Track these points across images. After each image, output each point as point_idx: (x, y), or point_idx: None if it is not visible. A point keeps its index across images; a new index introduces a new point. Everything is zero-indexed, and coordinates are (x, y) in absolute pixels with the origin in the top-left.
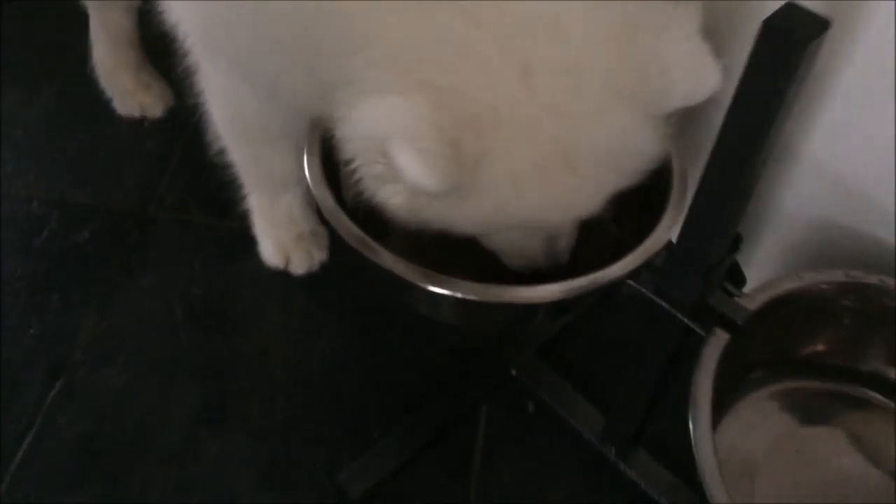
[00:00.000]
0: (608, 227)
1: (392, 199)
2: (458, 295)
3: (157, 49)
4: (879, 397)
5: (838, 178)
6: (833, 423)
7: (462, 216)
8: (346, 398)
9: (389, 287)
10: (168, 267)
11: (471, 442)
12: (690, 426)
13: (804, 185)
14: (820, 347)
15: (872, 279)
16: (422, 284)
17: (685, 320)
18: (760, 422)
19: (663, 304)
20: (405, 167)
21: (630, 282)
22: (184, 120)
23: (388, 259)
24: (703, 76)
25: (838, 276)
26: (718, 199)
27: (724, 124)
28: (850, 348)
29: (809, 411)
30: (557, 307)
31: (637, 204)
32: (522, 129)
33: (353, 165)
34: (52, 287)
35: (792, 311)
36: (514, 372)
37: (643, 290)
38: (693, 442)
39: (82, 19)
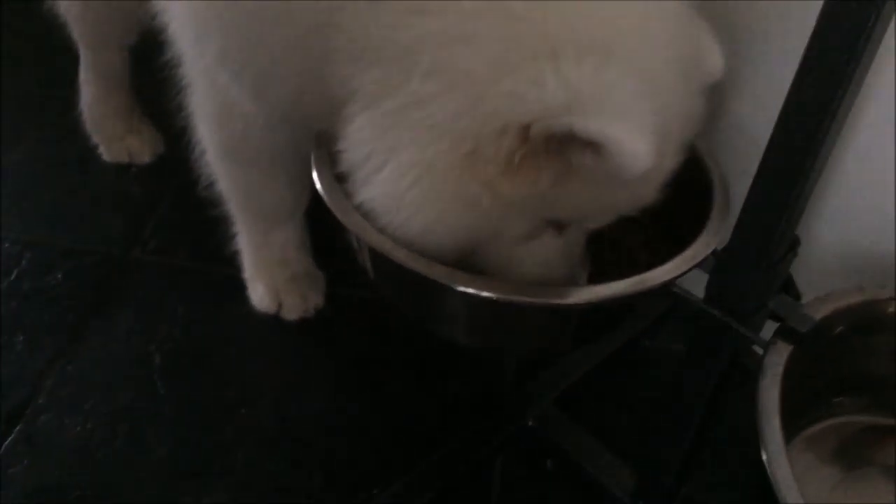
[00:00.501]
0: (639, 255)
1: (506, 200)
2: (488, 295)
3: (148, 94)
4: None
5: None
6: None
7: (584, 199)
8: (340, 453)
9: (409, 298)
10: (148, 312)
11: (483, 502)
12: (761, 443)
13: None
14: (878, 371)
15: None
16: (450, 284)
17: (739, 329)
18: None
19: (715, 312)
20: (621, 147)
21: (677, 289)
22: (174, 166)
23: (411, 259)
24: (719, 58)
25: None
26: (781, 178)
27: (787, 97)
28: None
29: (856, 449)
30: (594, 316)
31: (664, 232)
32: (670, 86)
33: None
34: (17, 328)
35: (850, 328)
36: (530, 422)
37: (691, 297)
38: (766, 462)
39: (68, 67)
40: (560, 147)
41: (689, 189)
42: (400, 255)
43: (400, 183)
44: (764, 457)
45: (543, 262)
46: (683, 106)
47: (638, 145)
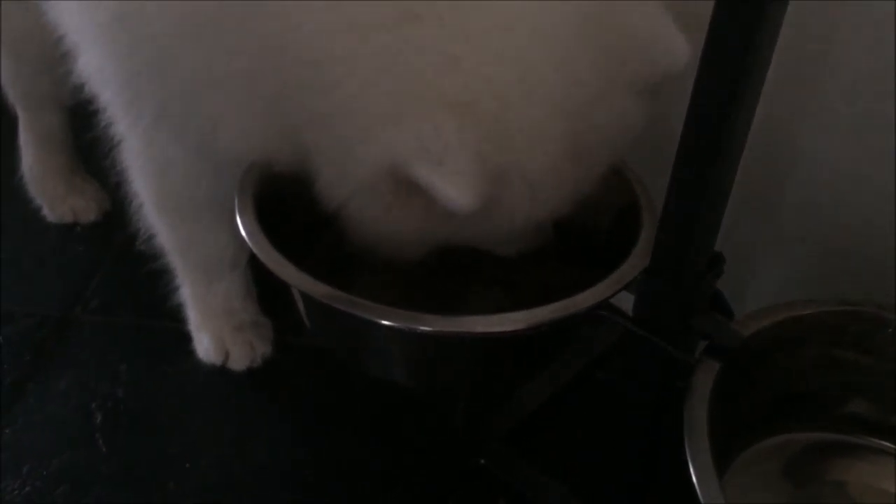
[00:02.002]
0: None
1: (403, 225)
2: (412, 327)
3: (91, 152)
4: (878, 442)
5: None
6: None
7: (481, 232)
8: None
9: (340, 337)
10: (89, 370)
11: None
12: (689, 465)
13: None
14: (812, 385)
15: (870, 308)
16: (372, 318)
17: (668, 347)
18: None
19: (642, 332)
20: (442, 191)
21: (605, 312)
22: (120, 222)
23: (330, 293)
24: (677, 48)
25: (833, 304)
26: (689, 193)
27: (687, 114)
28: (847, 385)
29: (804, 467)
30: (525, 342)
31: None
32: (534, 133)
33: (347, 206)
34: None
35: (784, 343)
36: (482, 461)
37: (619, 320)
38: (695, 484)
39: (8, 127)
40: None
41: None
42: (320, 292)
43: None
44: (693, 476)
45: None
46: (600, 124)
47: (452, 190)
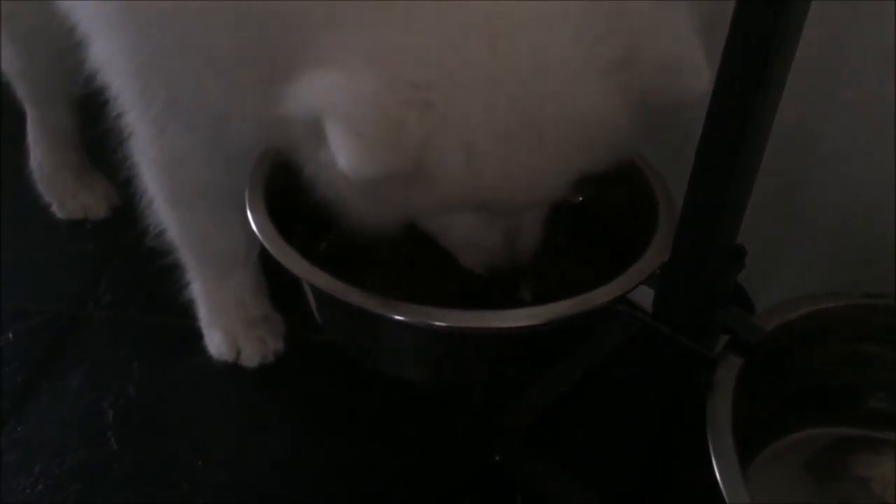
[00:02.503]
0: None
1: (337, 187)
2: (426, 322)
3: (100, 148)
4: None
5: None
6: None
7: (411, 200)
8: (302, 501)
9: (352, 333)
10: (100, 367)
11: None
12: (713, 462)
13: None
14: (835, 380)
15: (894, 301)
16: (385, 313)
17: (690, 343)
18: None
19: (662, 328)
20: (338, 151)
21: (623, 307)
22: (130, 218)
23: (343, 288)
24: (692, 78)
25: (856, 297)
26: (710, 187)
27: (710, 107)
28: (870, 380)
29: (828, 463)
30: (541, 338)
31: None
32: (482, 93)
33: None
34: None
35: (807, 338)
36: (497, 458)
37: (638, 315)
38: (719, 481)
39: (15, 124)
40: None
41: (638, 206)
42: (332, 287)
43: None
44: (717, 475)
45: (462, 233)
46: (571, 105)
47: (345, 153)
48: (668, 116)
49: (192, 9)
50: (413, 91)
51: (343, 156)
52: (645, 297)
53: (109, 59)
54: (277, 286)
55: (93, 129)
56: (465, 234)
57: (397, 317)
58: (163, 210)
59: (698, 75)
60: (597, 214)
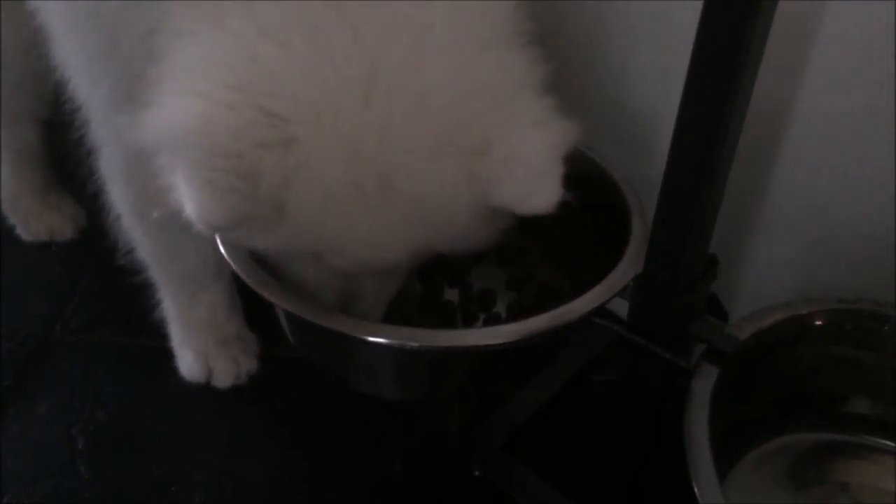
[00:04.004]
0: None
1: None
2: (398, 343)
3: (67, 166)
4: (880, 441)
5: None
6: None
7: (258, 239)
8: None
9: (326, 355)
10: (70, 393)
11: None
12: (690, 473)
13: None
14: (813, 385)
15: (867, 305)
16: (356, 335)
17: (665, 355)
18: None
19: (638, 339)
20: (186, 198)
21: (598, 319)
22: (98, 239)
23: (314, 310)
24: (542, 192)
25: (830, 302)
26: (681, 198)
27: (678, 118)
28: (848, 384)
29: (808, 468)
30: (518, 352)
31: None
32: (347, 139)
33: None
34: None
35: (783, 344)
36: (477, 472)
37: (614, 326)
38: (697, 493)
39: None
40: None
41: (611, 216)
42: (303, 308)
43: None
44: (695, 487)
45: (303, 281)
46: (425, 176)
47: (195, 200)
48: (506, 218)
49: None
50: (275, 126)
51: (191, 205)
52: (621, 306)
53: (68, 57)
54: (253, 303)
55: (59, 148)
56: (303, 278)
57: (371, 338)
58: (130, 226)
59: (550, 194)
60: (570, 224)
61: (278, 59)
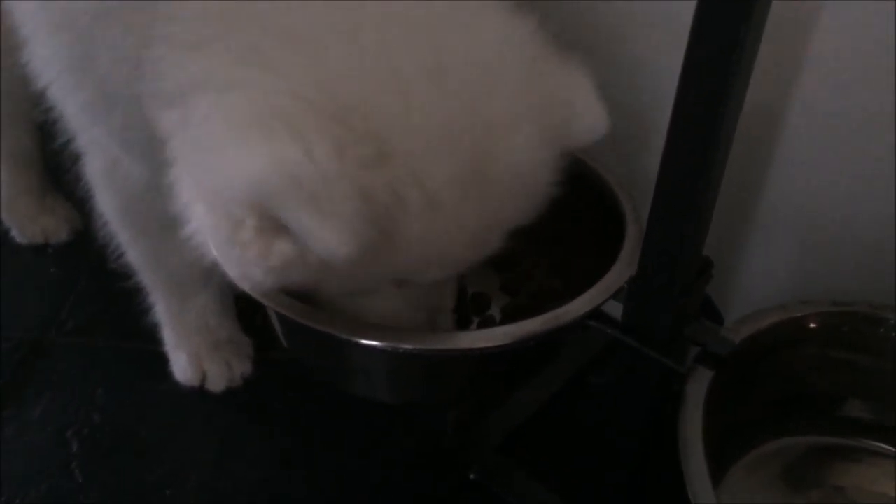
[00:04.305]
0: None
1: (259, 270)
2: (394, 346)
3: (63, 170)
4: (876, 444)
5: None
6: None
7: (371, 272)
8: None
9: (319, 357)
10: (64, 396)
11: None
12: (684, 477)
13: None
14: (809, 388)
15: (863, 307)
16: (350, 337)
17: (660, 358)
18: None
19: (631, 342)
20: (315, 237)
21: (593, 322)
22: (93, 241)
23: (308, 312)
24: (597, 117)
25: (825, 305)
26: (675, 202)
27: (672, 119)
28: (843, 387)
29: (803, 472)
30: (513, 355)
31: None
32: (437, 141)
33: (191, 228)
34: None
35: (778, 347)
36: (472, 475)
37: (608, 329)
38: (691, 496)
39: None
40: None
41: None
42: (296, 311)
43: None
44: (689, 491)
45: (384, 313)
46: (511, 150)
47: (331, 236)
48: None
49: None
50: (366, 144)
51: (323, 241)
52: (616, 309)
53: (43, 64)
54: (246, 306)
55: (54, 150)
56: (388, 313)
57: (365, 341)
58: (119, 233)
59: (603, 118)
60: (564, 227)
61: (345, 78)
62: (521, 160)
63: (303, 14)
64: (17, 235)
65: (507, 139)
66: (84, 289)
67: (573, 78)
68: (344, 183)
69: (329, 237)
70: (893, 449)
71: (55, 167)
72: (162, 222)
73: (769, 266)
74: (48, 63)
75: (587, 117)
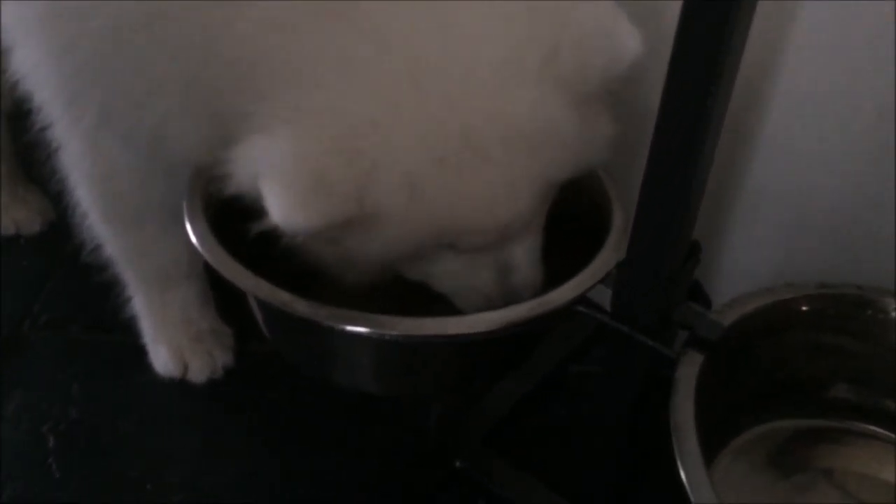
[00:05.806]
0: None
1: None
2: (375, 331)
3: (35, 159)
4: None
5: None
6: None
7: (371, 246)
8: None
9: (302, 347)
10: (39, 391)
11: None
12: (678, 462)
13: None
14: (797, 372)
15: (850, 290)
16: (335, 325)
17: (649, 342)
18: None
19: (620, 327)
20: (271, 207)
21: (581, 307)
22: (67, 233)
23: (290, 300)
24: (621, 42)
25: (812, 288)
26: (665, 185)
27: (663, 95)
28: (831, 370)
29: (791, 455)
30: (500, 341)
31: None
32: (410, 127)
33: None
34: None
35: (766, 330)
36: (458, 464)
37: (597, 314)
38: (685, 481)
39: None
40: None
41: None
42: (278, 299)
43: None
44: (682, 476)
45: (448, 277)
46: (503, 115)
47: (278, 209)
48: (612, 99)
49: (123, 30)
50: (336, 141)
51: (275, 210)
52: (604, 295)
53: (33, 68)
54: (225, 296)
55: (26, 140)
56: (453, 277)
57: (348, 328)
58: (97, 224)
59: (629, 38)
60: (551, 215)
61: (325, 93)
62: (522, 120)
63: None
64: None
65: (498, 103)
66: (58, 281)
67: (583, 13)
68: (303, 164)
69: (280, 208)
70: (880, 430)
71: (27, 157)
72: (144, 213)
73: (754, 249)
74: (25, 55)
75: (616, 41)
